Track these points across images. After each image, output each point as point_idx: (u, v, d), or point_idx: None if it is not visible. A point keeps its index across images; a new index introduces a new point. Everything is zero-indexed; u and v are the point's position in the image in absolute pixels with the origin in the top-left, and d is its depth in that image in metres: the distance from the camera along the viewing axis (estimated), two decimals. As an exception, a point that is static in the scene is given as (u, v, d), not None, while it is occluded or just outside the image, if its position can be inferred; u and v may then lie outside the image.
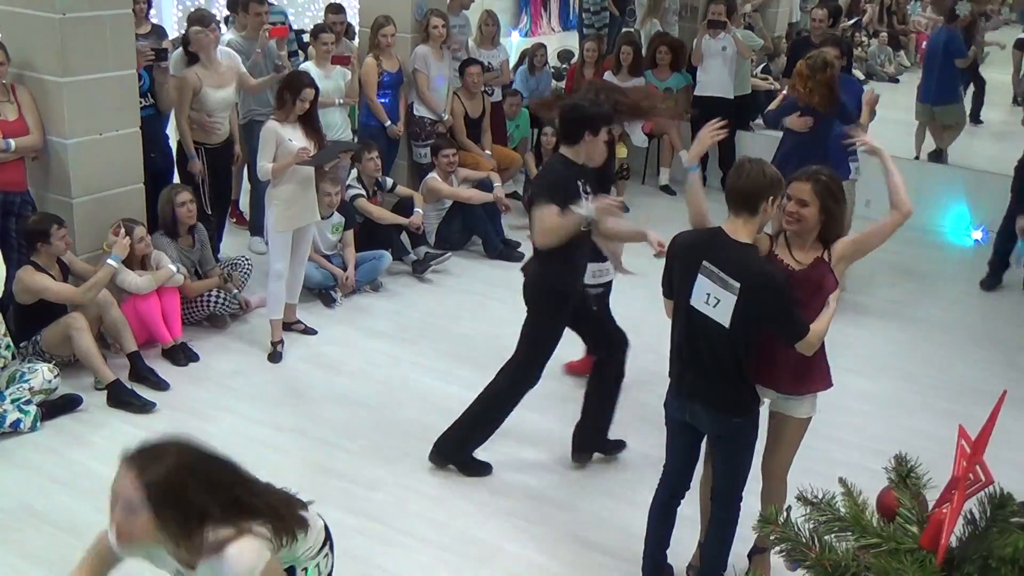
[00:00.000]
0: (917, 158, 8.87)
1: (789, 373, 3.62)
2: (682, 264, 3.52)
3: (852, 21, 12.20)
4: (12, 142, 5.18)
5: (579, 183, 4.26)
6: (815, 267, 3.57)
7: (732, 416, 3.52)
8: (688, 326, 3.49)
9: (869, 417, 5.35)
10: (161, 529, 2.26)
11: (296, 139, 5.42)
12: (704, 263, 3.40)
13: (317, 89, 5.54)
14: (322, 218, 6.35)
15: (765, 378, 3.62)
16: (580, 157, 4.29)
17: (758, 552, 3.91)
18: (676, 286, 3.55)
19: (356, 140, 7.55)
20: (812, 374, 3.65)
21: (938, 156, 8.88)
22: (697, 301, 3.42)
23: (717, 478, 3.71)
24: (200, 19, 6.35)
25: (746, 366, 3.48)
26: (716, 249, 3.41)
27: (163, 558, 2.41)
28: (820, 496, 2.36)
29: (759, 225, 3.48)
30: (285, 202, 5.51)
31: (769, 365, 3.60)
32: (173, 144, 6.70)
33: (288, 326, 5.93)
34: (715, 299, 3.37)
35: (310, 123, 5.52)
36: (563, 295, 4.44)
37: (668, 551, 3.86)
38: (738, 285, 3.32)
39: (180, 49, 6.56)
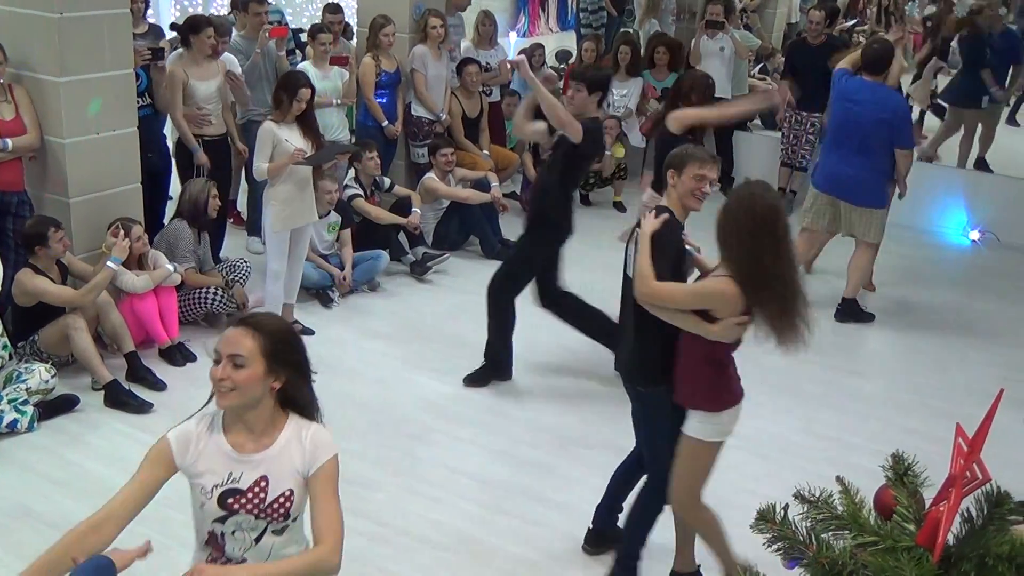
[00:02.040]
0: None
1: (680, 380, 3.50)
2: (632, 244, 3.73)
3: (853, 22, 12.17)
4: (9, 142, 5.18)
5: None
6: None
7: (637, 384, 3.64)
8: (622, 295, 3.73)
9: (866, 416, 5.35)
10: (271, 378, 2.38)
11: (293, 140, 5.42)
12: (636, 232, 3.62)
13: (313, 89, 5.54)
14: (320, 216, 6.36)
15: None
16: None
17: None
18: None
19: (353, 140, 7.56)
20: (698, 388, 3.46)
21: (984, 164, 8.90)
22: (629, 268, 3.64)
23: (639, 445, 3.85)
24: (219, 26, 6.49)
25: (649, 336, 3.53)
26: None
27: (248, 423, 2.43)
28: (817, 494, 2.37)
29: (678, 194, 3.55)
30: (282, 202, 5.51)
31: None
32: (171, 144, 6.71)
33: None
34: (632, 259, 3.58)
35: (307, 123, 5.52)
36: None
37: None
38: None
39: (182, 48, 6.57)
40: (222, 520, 2.38)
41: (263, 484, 2.36)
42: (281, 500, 2.36)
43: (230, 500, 2.37)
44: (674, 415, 3.54)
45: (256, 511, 2.36)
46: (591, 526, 4.09)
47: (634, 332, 3.58)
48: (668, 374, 3.52)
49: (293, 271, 5.83)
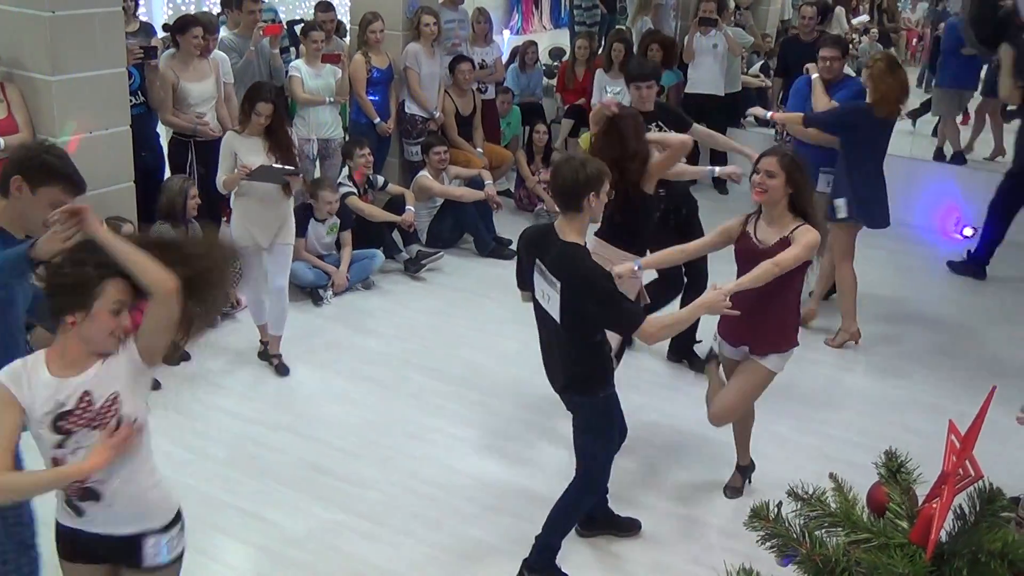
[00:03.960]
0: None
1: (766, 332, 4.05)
2: (526, 261, 3.71)
3: (866, 18, 12.18)
4: (2, 140, 5.16)
5: None
6: (779, 246, 3.85)
7: (573, 393, 3.69)
8: (537, 316, 3.71)
9: (859, 413, 5.36)
10: None
11: (251, 153, 5.22)
12: (537, 261, 3.56)
13: (276, 105, 5.27)
14: (319, 220, 6.38)
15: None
16: None
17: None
18: (527, 280, 3.72)
19: (347, 138, 7.55)
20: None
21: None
22: (538, 295, 3.62)
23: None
24: (207, 23, 6.46)
25: (584, 356, 3.60)
26: (547, 248, 3.53)
27: None
28: (811, 491, 2.38)
29: (587, 219, 3.53)
30: (242, 216, 5.39)
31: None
32: (164, 142, 6.69)
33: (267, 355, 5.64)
34: (547, 296, 3.53)
35: (275, 138, 5.27)
36: None
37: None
38: (559, 283, 3.44)
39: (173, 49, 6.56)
40: (61, 444, 2.52)
41: (87, 398, 2.51)
42: (108, 404, 2.51)
43: (61, 423, 2.51)
44: (605, 417, 3.70)
45: (89, 423, 2.50)
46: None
47: (568, 356, 3.62)
48: (601, 384, 3.65)
49: (275, 299, 5.51)
